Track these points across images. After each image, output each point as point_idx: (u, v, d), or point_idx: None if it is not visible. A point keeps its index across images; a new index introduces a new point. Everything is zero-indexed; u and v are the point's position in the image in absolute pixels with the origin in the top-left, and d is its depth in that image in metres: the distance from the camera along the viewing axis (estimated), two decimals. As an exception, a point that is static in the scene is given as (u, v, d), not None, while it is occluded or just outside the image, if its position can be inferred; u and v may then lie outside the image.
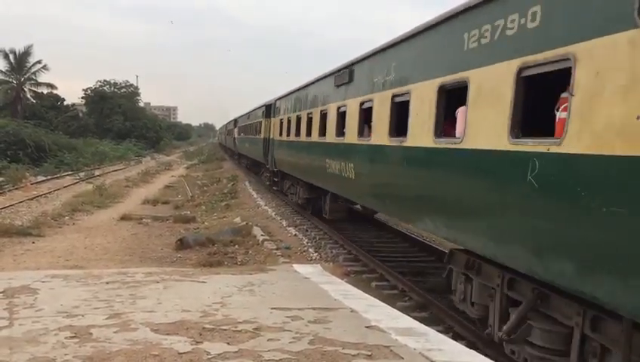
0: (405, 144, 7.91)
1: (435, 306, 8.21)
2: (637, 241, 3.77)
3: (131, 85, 76.43)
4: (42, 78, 60.87)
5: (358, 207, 14.55)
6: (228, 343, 4.36)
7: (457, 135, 6.50)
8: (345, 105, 11.11)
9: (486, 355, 4.81)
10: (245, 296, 5.96)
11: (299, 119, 15.88)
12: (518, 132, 5.23)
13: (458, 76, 6.41)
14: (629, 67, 3.92)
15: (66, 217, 17.47)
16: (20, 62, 58.77)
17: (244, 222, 15.68)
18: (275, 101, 20.82)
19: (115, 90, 72.55)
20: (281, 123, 19.07)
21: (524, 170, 4.91)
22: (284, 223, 16.20)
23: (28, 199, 21.07)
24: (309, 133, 14.38)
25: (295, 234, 14.47)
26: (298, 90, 16.75)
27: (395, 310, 5.90)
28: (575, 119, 4.45)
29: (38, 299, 5.57)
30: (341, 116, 11.39)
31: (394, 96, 8.43)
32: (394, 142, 8.37)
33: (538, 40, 4.94)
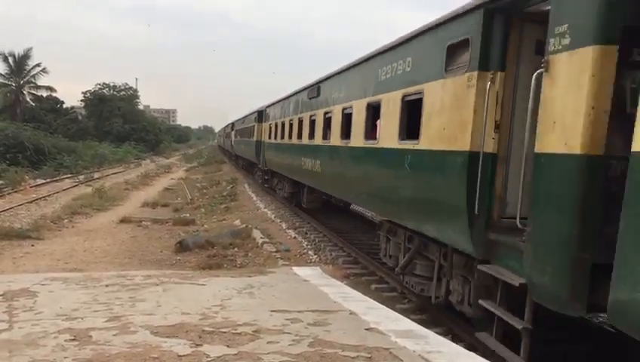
0: (349, 145, 10.64)
1: (434, 308, 8.21)
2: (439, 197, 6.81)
3: (130, 88, 76.46)
4: (41, 80, 60.97)
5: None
6: (227, 346, 4.36)
7: (376, 138, 9.13)
8: (315, 115, 13.86)
9: (486, 356, 4.81)
10: (245, 298, 5.97)
11: (283, 124, 18.70)
12: (403, 136, 8.04)
13: (376, 98, 9.22)
14: (440, 99, 6.77)
15: (66, 220, 17.46)
16: (19, 65, 58.80)
17: (244, 225, 15.69)
18: (266, 108, 23.69)
19: (115, 92, 72.55)
20: (270, 127, 22.03)
21: (404, 160, 7.80)
22: (284, 226, 16.22)
23: (27, 202, 21.07)
24: (290, 137, 17.05)
25: (294, 237, 14.49)
26: (283, 99, 19.39)
27: (395, 312, 5.91)
28: (423, 128, 7.29)
29: (37, 301, 5.57)
30: (312, 123, 14.10)
31: (344, 109, 11.24)
32: (343, 143, 11.13)
33: (411, 78, 7.85)
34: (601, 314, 6.64)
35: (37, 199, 22.20)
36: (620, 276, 3.95)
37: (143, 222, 16.89)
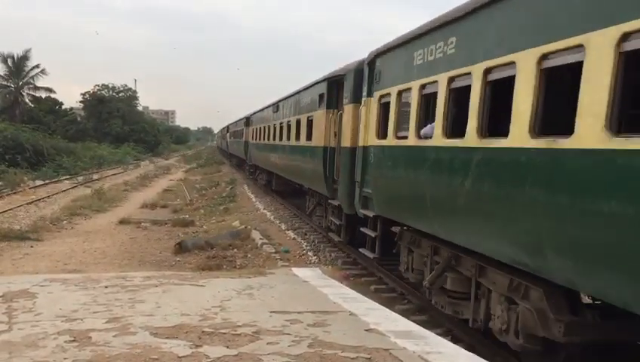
0: (298, 144, 15.65)
1: (434, 309, 8.21)
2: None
3: (129, 89, 76.49)
4: (40, 82, 60.94)
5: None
6: (227, 347, 4.36)
7: (298, 140, 15.26)
8: (277, 122, 20.16)
9: (485, 358, 4.81)
10: (244, 299, 5.97)
11: (261, 129, 25.14)
12: (298, 138, 14.71)
13: (294, 118, 15.78)
14: (316, 120, 13.24)
15: (65, 221, 17.46)
16: (18, 66, 58.79)
17: (243, 226, 15.69)
18: (251, 115, 30.90)
19: (114, 94, 72.57)
20: (253, 131, 28.76)
21: (299, 150, 14.65)
22: (283, 227, 16.22)
23: (26, 203, 21.05)
24: (266, 138, 23.12)
25: (294, 238, 14.49)
26: (262, 110, 25.94)
27: (394, 313, 5.91)
28: (307, 134, 14.52)
29: (37, 303, 5.56)
30: (275, 128, 20.48)
31: (297, 120, 16.02)
32: (297, 143, 15.82)
33: (299, 110, 15.39)
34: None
35: (36, 200, 22.18)
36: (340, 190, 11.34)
37: (142, 224, 16.88)
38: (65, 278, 7.02)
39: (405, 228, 8.66)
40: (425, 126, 7.37)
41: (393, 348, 4.43)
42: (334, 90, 12.25)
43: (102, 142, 58.14)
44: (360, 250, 10.53)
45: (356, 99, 10.43)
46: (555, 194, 4.74)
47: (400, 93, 8.18)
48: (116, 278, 6.95)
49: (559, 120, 5.01)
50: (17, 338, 4.45)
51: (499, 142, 5.55)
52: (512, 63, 5.35)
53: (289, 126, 17.05)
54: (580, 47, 4.49)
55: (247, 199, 23.79)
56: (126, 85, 76.50)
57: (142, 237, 14.88)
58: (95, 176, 34.80)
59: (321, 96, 12.97)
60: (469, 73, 6.13)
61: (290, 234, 15.04)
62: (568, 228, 4.58)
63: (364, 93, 9.82)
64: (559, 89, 5.41)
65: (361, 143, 9.90)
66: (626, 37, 4.06)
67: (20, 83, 59.54)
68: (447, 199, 6.60)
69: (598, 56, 4.26)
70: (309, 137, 14.12)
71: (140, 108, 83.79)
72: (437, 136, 6.84)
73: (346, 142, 10.84)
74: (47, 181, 30.53)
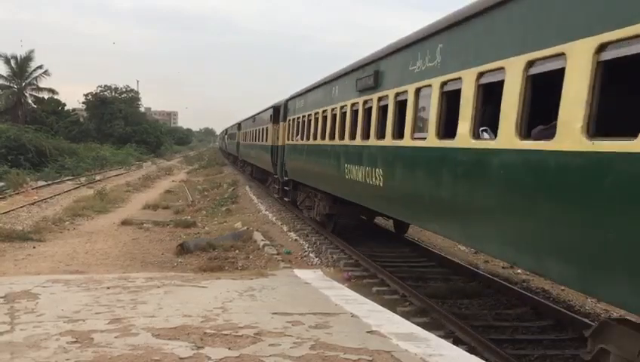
0: (277, 144, 21.56)
1: (435, 311, 8.21)
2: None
3: (132, 90, 76.66)
4: (43, 83, 61.10)
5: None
6: (229, 348, 4.36)
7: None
8: (253, 128, 29.46)
9: (486, 360, 4.82)
10: (246, 300, 5.96)
11: (247, 133, 33.97)
12: (266, 140, 24.66)
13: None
14: (268, 130, 23.12)
15: (67, 222, 17.49)
16: (21, 67, 58.97)
17: (245, 227, 15.69)
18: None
19: (116, 95, 72.72)
20: (242, 134, 36.86)
21: (257, 148, 27.50)
22: (285, 228, 16.22)
23: (29, 204, 21.11)
24: (249, 140, 31.92)
25: (296, 239, 14.49)
26: (247, 119, 34.53)
27: (396, 315, 5.90)
28: (264, 138, 25.21)
29: (39, 303, 5.57)
30: (252, 133, 29.52)
31: (262, 128, 25.48)
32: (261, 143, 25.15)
33: (260, 124, 26.83)
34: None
35: (38, 201, 22.23)
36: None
37: (145, 225, 16.90)
38: (67, 279, 7.02)
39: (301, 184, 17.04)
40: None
41: (395, 351, 4.42)
42: (278, 112, 21.41)
43: (104, 143, 58.27)
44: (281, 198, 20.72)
45: (284, 120, 19.95)
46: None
47: (296, 118, 17.62)
48: (118, 279, 6.95)
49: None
50: (19, 339, 4.46)
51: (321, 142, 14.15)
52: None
53: (259, 131, 26.78)
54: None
55: (248, 200, 23.79)
56: (128, 86, 76.79)
57: (144, 238, 14.89)
58: (97, 177, 34.88)
59: (272, 115, 22.29)
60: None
61: (292, 235, 15.04)
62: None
63: (284, 117, 19.84)
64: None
65: (280, 143, 19.88)
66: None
67: (23, 84, 59.74)
68: (314, 169, 14.65)
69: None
70: (266, 140, 23.86)
71: (142, 109, 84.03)
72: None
73: (282, 142, 19.69)
74: (49, 182, 30.62)
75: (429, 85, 7.56)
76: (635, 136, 4.00)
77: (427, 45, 7.72)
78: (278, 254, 12.38)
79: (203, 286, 6.62)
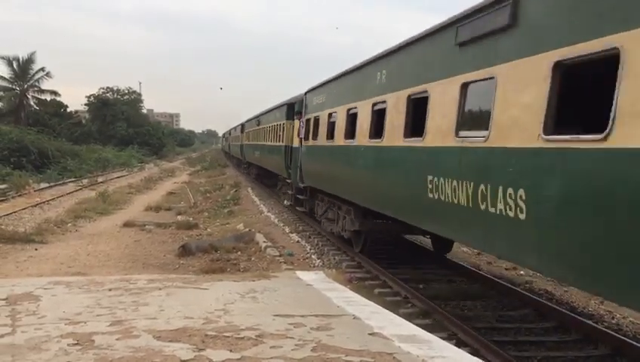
0: (262, 143, 25.97)
1: (438, 313, 8.18)
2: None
3: (134, 92, 76.80)
4: (45, 84, 61.19)
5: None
6: (230, 350, 4.34)
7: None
8: (260, 127, 28.30)
9: (490, 362, 4.81)
10: (248, 302, 5.95)
11: (250, 133, 33.12)
12: (265, 140, 25.33)
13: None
14: (284, 128, 20.34)
15: (69, 224, 17.51)
16: (23, 69, 59.01)
17: (247, 229, 15.69)
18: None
19: (118, 96, 72.86)
20: (246, 135, 35.58)
21: (263, 149, 26.83)
22: (287, 230, 16.21)
23: (31, 206, 21.13)
24: (254, 140, 30.90)
25: (298, 241, 14.47)
26: (250, 119, 33.56)
27: (398, 317, 5.88)
28: (273, 137, 23.29)
29: (40, 305, 5.56)
30: (258, 133, 28.80)
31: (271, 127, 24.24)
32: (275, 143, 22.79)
33: (275, 120, 23.10)
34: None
35: (41, 203, 22.26)
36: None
37: (147, 226, 16.90)
38: (69, 281, 7.02)
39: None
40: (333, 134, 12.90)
41: (397, 352, 4.40)
42: (292, 110, 19.22)
43: (106, 144, 58.39)
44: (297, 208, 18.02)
45: (301, 116, 17.02)
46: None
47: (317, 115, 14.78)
48: (120, 281, 6.94)
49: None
50: (21, 341, 4.45)
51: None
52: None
53: (270, 130, 24.14)
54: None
55: (251, 202, 23.79)
56: (131, 88, 76.90)
57: (146, 240, 14.88)
58: (100, 179, 34.94)
59: (286, 111, 20.06)
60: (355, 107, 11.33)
61: (294, 237, 15.02)
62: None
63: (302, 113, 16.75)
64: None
65: (296, 143, 17.21)
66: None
67: (25, 86, 59.80)
68: (341, 175, 12.28)
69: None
70: (279, 140, 21.41)
71: (144, 110, 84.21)
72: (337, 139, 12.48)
73: (297, 143, 17.24)
74: (51, 183, 30.66)
75: None
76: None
77: None
78: (280, 256, 12.36)
79: (205, 288, 6.61)
